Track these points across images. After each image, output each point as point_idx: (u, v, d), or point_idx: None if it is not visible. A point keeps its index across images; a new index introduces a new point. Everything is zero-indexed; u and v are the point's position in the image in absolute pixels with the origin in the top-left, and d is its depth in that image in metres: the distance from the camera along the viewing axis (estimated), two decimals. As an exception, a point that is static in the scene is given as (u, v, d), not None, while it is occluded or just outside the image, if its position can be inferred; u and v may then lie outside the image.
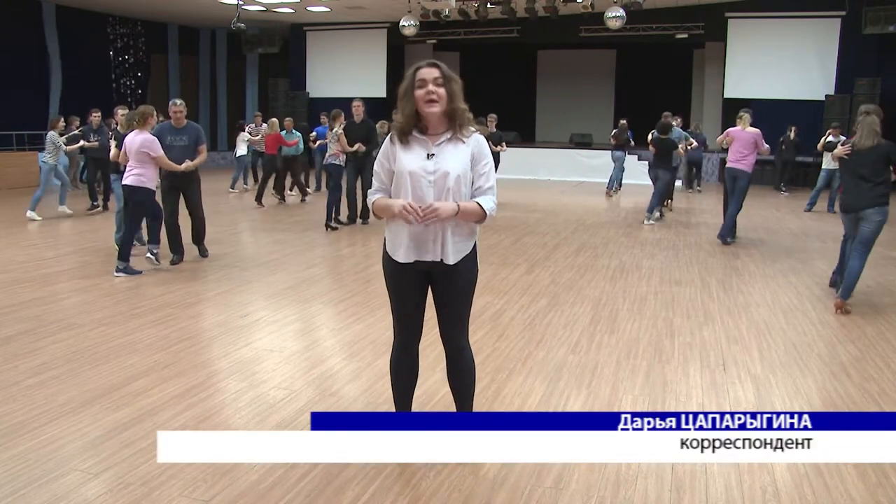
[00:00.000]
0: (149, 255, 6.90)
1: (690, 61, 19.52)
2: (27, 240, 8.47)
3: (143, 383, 3.91)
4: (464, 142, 2.81)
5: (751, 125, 8.58)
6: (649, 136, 10.94)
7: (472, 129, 2.85)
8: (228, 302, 5.78)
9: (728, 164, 8.67)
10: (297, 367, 4.23)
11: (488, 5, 15.03)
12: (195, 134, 7.08)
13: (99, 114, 11.14)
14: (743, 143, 8.47)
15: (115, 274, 6.51)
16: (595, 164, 17.73)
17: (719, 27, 16.58)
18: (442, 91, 2.74)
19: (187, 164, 6.84)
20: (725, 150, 9.02)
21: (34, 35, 16.56)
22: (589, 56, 21.03)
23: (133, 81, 19.47)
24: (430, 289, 2.94)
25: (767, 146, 8.91)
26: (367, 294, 6.00)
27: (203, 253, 7.44)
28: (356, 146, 9.24)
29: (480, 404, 3.57)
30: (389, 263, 2.90)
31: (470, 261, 2.88)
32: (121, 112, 8.24)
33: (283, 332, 4.98)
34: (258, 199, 11.76)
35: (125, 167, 6.72)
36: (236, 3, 15.41)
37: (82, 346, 4.52)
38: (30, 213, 9.89)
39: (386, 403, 3.60)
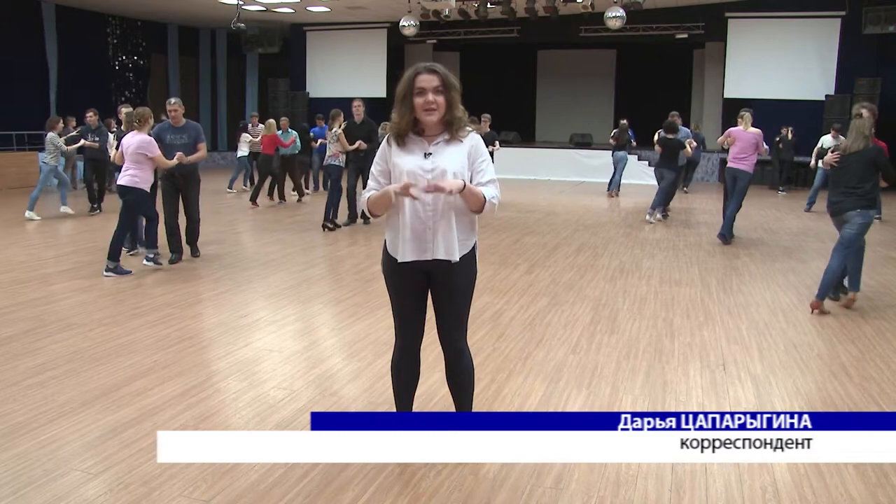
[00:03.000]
0: (146, 260, 6.94)
1: (690, 61, 19.52)
2: (27, 240, 8.47)
3: (143, 383, 3.91)
4: (461, 141, 2.82)
5: (752, 125, 8.59)
6: (656, 136, 10.91)
7: (469, 128, 2.86)
8: (228, 302, 5.78)
9: (729, 165, 8.69)
10: (297, 367, 4.23)
11: (488, 5, 15.02)
12: (195, 132, 7.11)
13: (93, 113, 10.99)
14: (745, 143, 8.49)
15: (105, 274, 6.51)
16: (595, 165, 17.73)
17: (719, 27, 16.58)
18: (441, 100, 2.74)
19: (180, 156, 6.76)
20: (725, 151, 9.02)
21: (34, 35, 16.55)
22: (589, 56, 21.02)
23: (133, 81, 19.46)
24: (429, 290, 2.94)
25: (767, 147, 8.89)
26: (367, 294, 6.00)
27: (194, 252, 7.46)
28: (357, 143, 9.23)
29: (480, 404, 3.57)
30: (389, 263, 2.90)
31: (469, 261, 2.88)
32: (124, 111, 8.23)
33: (283, 332, 4.98)
34: (253, 199, 11.82)
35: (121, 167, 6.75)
36: (236, 3, 15.41)
37: (82, 346, 4.52)
38: (28, 214, 9.91)
39: (386, 403, 3.60)
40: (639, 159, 16.61)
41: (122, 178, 6.64)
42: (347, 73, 19.53)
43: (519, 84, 21.79)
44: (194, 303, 5.71)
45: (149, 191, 6.78)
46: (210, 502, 2.71)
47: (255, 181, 12.58)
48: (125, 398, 3.69)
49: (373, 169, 2.91)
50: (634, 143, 14.50)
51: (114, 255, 6.58)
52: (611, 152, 14.29)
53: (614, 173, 14.19)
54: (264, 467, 2.95)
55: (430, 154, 2.79)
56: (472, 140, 2.84)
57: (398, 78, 2.85)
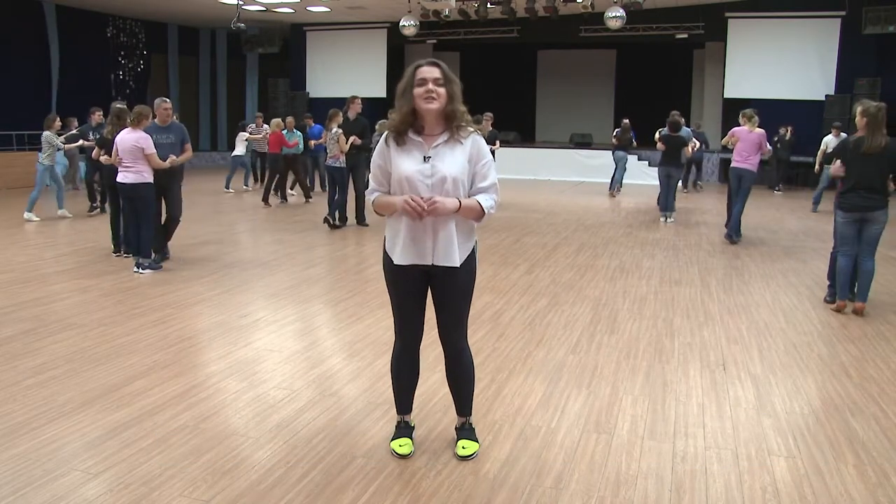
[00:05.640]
0: (139, 269, 6.79)
1: (690, 61, 19.53)
2: (27, 240, 8.47)
3: (143, 383, 3.91)
4: (461, 143, 2.79)
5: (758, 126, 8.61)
6: (657, 134, 10.93)
7: (471, 129, 2.83)
8: (228, 302, 5.77)
9: (733, 164, 8.73)
10: (297, 367, 4.23)
11: (488, 5, 15.02)
12: (180, 132, 7.09)
13: (100, 112, 10.97)
14: (748, 143, 8.54)
15: (141, 271, 6.64)
16: (595, 164, 17.74)
17: (719, 27, 16.59)
18: (442, 90, 2.72)
19: (172, 159, 6.78)
20: (729, 150, 9.05)
21: (34, 35, 16.56)
22: (589, 56, 21.03)
23: (133, 81, 19.46)
24: (429, 289, 2.94)
25: (770, 147, 8.94)
26: (367, 294, 6.00)
27: (165, 254, 7.17)
28: (351, 139, 9.16)
29: (480, 404, 3.57)
30: (389, 263, 2.89)
31: (469, 261, 2.88)
32: (117, 106, 8.19)
33: (283, 332, 4.98)
34: (265, 199, 11.80)
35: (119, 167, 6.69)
36: (236, 3, 15.41)
37: (82, 346, 4.52)
38: (27, 215, 9.87)
39: (386, 403, 3.60)
40: (639, 159, 16.64)
41: (127, 177, 6.55)
42: (347, 73, 19.53)
43: (519, 84, 21.80)
44: (194, 303, 5.71)
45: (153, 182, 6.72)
46: (210, 502, 2.71)
47: (257, 181, 12.51)
48: (125, 398, 3.69)
49: (372, 166, 2.90)
50: (635, 144, 14.62)
51: (147, 252, 6.72)
52: (611, 151, 14.41)
53: (615, 172, 14.25)
54: (264, 467, 2.95)
55: (430, 158, 2.77)
56: (474, 142, 2.81)
57: (398, 78, 2.85)
